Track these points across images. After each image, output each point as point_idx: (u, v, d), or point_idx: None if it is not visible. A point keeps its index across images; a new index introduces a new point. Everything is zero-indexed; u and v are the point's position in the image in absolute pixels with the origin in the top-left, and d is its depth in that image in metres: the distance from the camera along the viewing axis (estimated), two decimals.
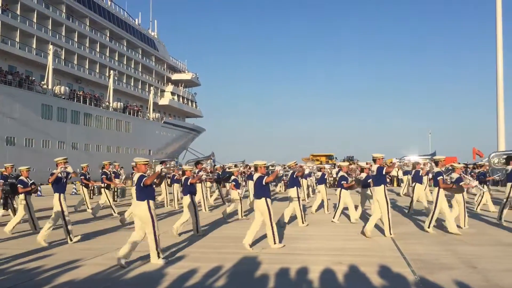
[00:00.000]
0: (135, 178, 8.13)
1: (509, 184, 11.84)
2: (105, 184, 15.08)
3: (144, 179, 7.87)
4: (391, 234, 10.28)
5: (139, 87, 55.15)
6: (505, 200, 11.95)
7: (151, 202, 7.91)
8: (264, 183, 9.13)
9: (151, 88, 56.04)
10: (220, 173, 19.03)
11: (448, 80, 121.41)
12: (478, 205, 15.41)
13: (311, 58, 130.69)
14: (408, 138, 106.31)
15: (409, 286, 6.41)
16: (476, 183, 12.62)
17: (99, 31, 48.04)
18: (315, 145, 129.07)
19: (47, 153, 36.26)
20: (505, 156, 13.91)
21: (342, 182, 12.99)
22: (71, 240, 9.99)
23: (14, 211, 12.69)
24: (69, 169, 10.27)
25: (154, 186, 8.74)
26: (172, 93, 62.14)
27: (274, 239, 9.16)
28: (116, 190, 19.62)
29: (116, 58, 50.59)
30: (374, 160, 10.78)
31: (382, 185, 10.35)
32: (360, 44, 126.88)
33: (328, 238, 10.44)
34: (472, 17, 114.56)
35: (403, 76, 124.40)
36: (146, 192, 7.90)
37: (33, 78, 38.40)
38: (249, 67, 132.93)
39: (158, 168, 8.80)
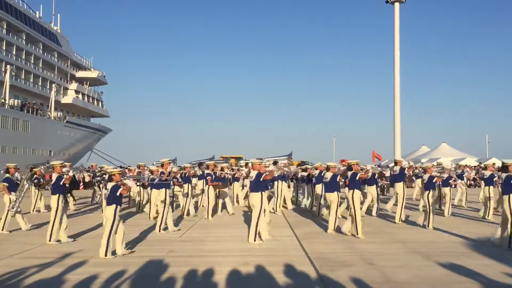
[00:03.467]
0: (253, 174, 10.14)
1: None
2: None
3: (262, 175, 9.96)
4: (400, 222, 12.94)
5: (40, 83, 51.66)
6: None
7: (263, 193, 10.10)
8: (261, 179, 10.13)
9: (53, 85, 52.72)
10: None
11: (349, 84, 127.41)
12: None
13: (216, 60, 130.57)
14: (315, 142, 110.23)
15: (312, 283, 6.65)
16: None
17: None
18: (223, 147, 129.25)
19: None
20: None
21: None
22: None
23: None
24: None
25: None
26: (77, 91, 58.96)
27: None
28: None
29: (14, 52, 46.97)
30: (396, 163, 14.44)
31: (402, 182, 13.48)
32: (272, 49, 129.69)
33: (235, 239, 10.51)
34: (370, 24, 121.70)
35: (308, 80, 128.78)
36: (261, 186, 10.02)
37: None
38: (160, 68, 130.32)
39: (271, 167, 11.89)
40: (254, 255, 8.57)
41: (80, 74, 61.42)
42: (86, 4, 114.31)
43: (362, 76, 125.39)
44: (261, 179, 10.00)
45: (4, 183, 12.05)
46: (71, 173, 10.97)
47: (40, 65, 52.48)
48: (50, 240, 9.84)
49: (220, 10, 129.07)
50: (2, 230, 11.43)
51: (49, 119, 51.22)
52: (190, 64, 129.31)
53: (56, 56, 56.25)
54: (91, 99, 63.86)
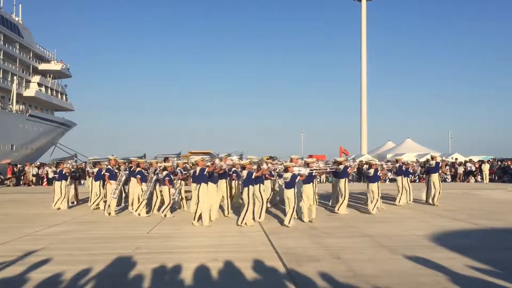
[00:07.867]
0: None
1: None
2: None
3: (347, 169, 13.41)
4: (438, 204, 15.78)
5: (0, 76, 49.94)
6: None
7: (346, 179, 13.69)
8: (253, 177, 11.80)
9: (15, 77, 51.07)
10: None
11: (317, 79, 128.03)
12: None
13: (183, 55, 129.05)
14: (283, 136, 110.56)
15: (281, 278, 6.65)
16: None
17: None
18: (192, 142, 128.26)
19: None
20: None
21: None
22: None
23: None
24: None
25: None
26: (39, 84, 57.19)
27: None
28: None
29: None
30: (432, 157, 16.97)
31: (437, 173, 16.25)
32: (239, 45, 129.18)
33: (204, 235, 10.45)
34: (338, 20, 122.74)
35: (275, 75, 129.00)
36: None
37: None
38: (126, 62, 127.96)
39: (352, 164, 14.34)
40: (222, 251, 8.53)
41: (43, 66, 59.64)
42: None
43: (330, 71, 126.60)
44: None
45: (137, 176, 14.03)
46: (224, 165, 13.21)
47: (1, 57, 50.76)
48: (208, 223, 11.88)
49: (187, 4, 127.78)
50: (139, 215, 13.72)
51: (10, 112, 49.67)
52: (157, 58, 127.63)
53: (17, 47, 54.49)
54: (54, 92, 62.14)
